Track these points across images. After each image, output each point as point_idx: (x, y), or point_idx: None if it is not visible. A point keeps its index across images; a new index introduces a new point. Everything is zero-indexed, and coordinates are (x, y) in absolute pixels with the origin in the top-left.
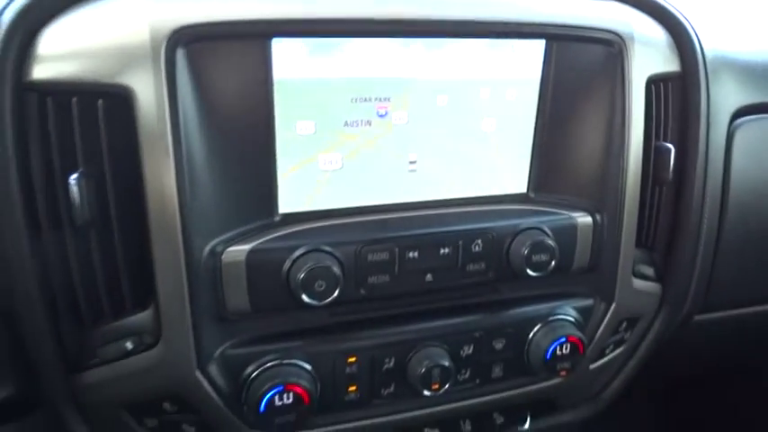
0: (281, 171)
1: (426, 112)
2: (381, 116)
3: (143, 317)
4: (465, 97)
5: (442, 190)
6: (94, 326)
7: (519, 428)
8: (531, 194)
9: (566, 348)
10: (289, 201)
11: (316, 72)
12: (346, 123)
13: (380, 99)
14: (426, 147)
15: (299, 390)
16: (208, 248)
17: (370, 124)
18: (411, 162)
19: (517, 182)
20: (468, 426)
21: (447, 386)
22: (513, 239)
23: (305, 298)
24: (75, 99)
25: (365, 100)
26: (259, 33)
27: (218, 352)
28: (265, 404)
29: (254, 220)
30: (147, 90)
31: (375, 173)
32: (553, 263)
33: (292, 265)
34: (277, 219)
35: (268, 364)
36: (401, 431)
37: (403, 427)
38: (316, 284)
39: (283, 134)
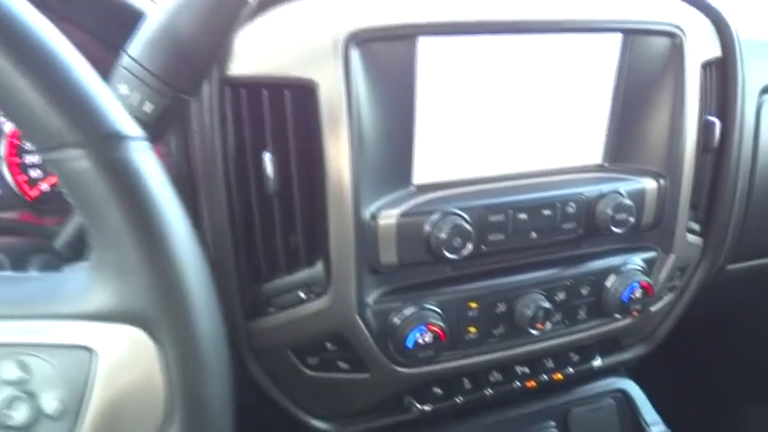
0: (416, 149)
1: (526, 94)
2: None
3: (312, 271)
4: (555, 79)
5: (536, 161)
6: (271, 279)
7: (592, 364)
8: (606, 164)
9: (638, 292)
10: (420, 173)
11: (452, 68)
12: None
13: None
14: (529, 124)
15: (436, 329)
16: (368, 213)
17: (484, 110)
18: (515, 136)
19: (594, 154)
20: (550, 363)
21: (547, 326)
22: (598, 202)
23: (446, 253)
24: (265, 91)
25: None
26: (410, 34)
27: (371, 299)
28: (411, 341)
29: (396, 189)
30: (327, 82)
31: (486, 147)
32: (632, 220)
33: (433, 226)
34: (413, 189)
35: (411, 309)
36: (498, 368)
37: (502, 365)
38: (453, 241)
39: (421, 119)
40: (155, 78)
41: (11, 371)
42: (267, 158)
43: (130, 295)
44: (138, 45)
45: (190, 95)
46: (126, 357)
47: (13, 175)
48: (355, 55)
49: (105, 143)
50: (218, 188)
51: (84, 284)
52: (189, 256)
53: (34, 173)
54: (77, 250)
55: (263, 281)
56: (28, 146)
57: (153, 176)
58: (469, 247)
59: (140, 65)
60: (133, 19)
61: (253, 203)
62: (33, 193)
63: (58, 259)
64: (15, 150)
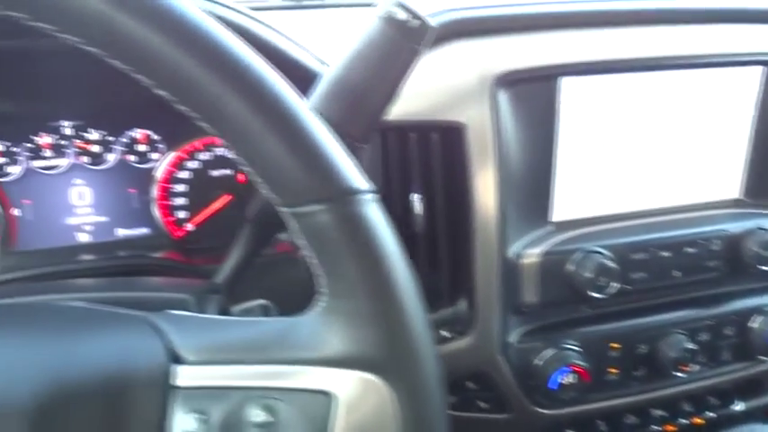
0: (556, 186)
1: (665, 129)
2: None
3: (455, 310)
4: (693, 113)
5: (674, 196)
6: None
7: (733, 408)
8: (744, 199)
9: None
10: (559, 210)
11: (592, 105)
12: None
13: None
14: (668, 159)
15: (580, 370)
16: (512, 252)
17: (620, 144)
18: (653, 171)
19: (731, 188)
20: (688, 406)
21: (693, 368)
22: (743, 238)
23: (590, 292)
24: (413, 134)
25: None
26: (553, 74)
27: (513, 338)
28: (554, 382)
29: (535, 227)
30: (476, 123)
31: (624, 183)
32: None
33: (576, 265)
34: (551, 227)
35: (552, 349)
36: (634, 411)
37: (639, 408)
38: (598, 280)
39: (561, 156)
40: (333, 129)
41: (258, 414)
42: (416, 199)
43: (364, 342)
44: (315, 98)
45: (364, 143)
46: (360, 401)
47: (162, 216)
48: (502, 96)
49: (346, 198)
50: None
51: (316, 330)
52: (415, 304)
53: (181, 214)
54: (234, 288)
55: None
56: (177, 189)
57: (385, 229)
58: (614, 286)
59: (319, 116)
60: (308, 78)
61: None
62: (179, 233)
63: (228, 300)
64: (166, 194)
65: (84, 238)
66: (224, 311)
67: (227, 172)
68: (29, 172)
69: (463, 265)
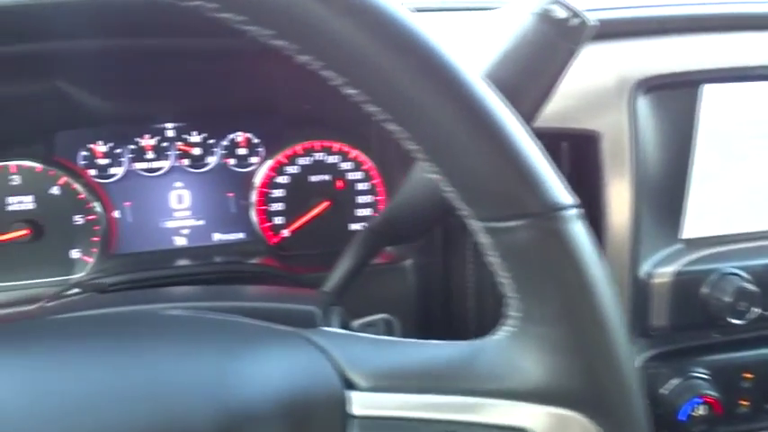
0: (689, 202)
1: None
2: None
3: None
4: None
5: None
6: None
7: None
8: None
9: None
10: (690, 227)
11: (732, 114)
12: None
13: None
14: None
15: (712, 401)
16: (643, 270)
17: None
18: None
19: None
20: None
21: None
22: None
23: (729, 318)
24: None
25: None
26: (695, 80)
27: (637, 363)
28: (684, 413)
29: (665, 244)
30: (612, 131)
31: (761, 199)
32: None
33: (712, 287)
34: (681, 244)
35: (679, 377)
36: None
37: None
38: (738, 305)
39: (697, 168)
40: None
41: None
42: None
43: (566, 374)
44: None
45: None
46: None
47: (259, 221)
48: (642, 102)
49: (551, 213)
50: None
51: (507, 358)
52: (623, 333)
53: (278, 220)
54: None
55: None
56: (275, 194)
57: (592, 249)
58: (755, 311)
59: None
60: None
61: None
62: (275, 239)
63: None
64: (264, 199)
65: (180, 242)
66: (345, 325)
67: (326, 178)
68: (130, 173)
69: None
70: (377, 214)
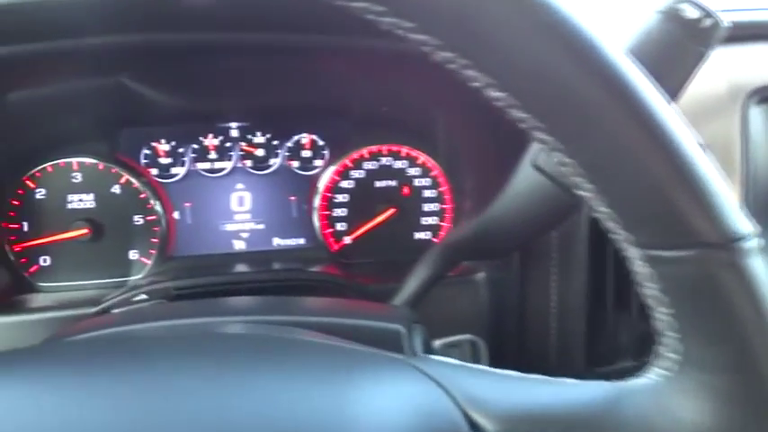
0: None
1: None
2: None
3: None
4: None
5: None
6: None
7: None
8: None
9: None
10: None
11: None
12: None
13: None
14: None
15: None
16: None
17: None
18: None
19: None
20: None
21: None
22: None
23: None
24: None
25: None
26: None
27: None
28: None
29: None
30: (719, 142)
31: None
32: None
33: None
34: None
35: None
36: None
37: None
38: None
39: None
40: None
41: None
42: None
43: (736, 429)
44: None
45: None
46: None
47: (321, 227)
48: (754, 112)
49: (729, 245)
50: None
51: (661, 406)
52: None
53: (340, 226)
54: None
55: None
56: (339, 199)
57: None
58: None
59: None
60: None
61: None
62: (337, 246)
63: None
64: (327, 204)
65: (239, 245)
66: (428, 346)
67: (392, 183)
68: (192, 173)
69: None
70: (444, 223)
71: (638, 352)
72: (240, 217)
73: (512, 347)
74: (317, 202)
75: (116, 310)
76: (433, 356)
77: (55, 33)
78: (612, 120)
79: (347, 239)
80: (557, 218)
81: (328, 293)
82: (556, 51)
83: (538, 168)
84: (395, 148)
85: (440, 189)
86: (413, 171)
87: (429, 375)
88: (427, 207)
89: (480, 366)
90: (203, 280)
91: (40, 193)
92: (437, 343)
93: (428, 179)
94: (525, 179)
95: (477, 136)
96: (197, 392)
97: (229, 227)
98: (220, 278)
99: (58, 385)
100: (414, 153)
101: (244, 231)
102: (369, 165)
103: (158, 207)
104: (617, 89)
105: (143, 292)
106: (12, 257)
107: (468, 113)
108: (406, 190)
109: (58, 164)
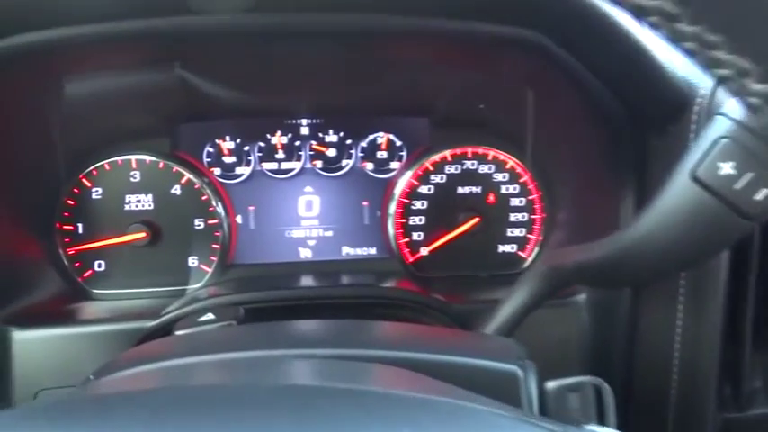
0: None
1: None
2: None
3: None
4: None
5: None
6: None
7: None
8: None
9: None
10: None
11: None
12: None
13: None
14: None
15: None
16: None
17: None
18: None
19: None
20: None
21: None
22: None
23: None
24: None
25: None
26: None
27: None
28: None
29: None
30: None
31: None
32: None
33: None
34: None
35: None
36: None
37: None
38: None
39: None
40: None
41: None
42: None
43: None
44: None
45: None
46: None
47: (397, 236)
48: None
49: None
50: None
51: None
52: None
53: (417, 236)
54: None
55: None
56: (417, 206)
57: None
58: None
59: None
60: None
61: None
62: (412, 258)
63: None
64: (404, 210)
65: (305, 254)
66: (540, 388)
67: (476, 190)
68: (257, 174)
69: None
70: (533, 236)
71: None
72: (307, 223)
73: (616, 383)
74: (392, 208)
75: (179, 332)
76: (594, 428)
77: (103, 15)
78: None
79: (424, 251)
80: (718, 245)
81: (404, 311)
82: None
83: (698, 182)
84: (480, 151)
85: (529, 198)
86: (499, 177)
87: None
88: (514, 217)
89: None
90: (273, 294)
91: (97, 193)
92: (550, 385)
93: (516, 186)
94: (681, 194)
95: (582, 135)
96: None
97: (295, 233)
98: (290, 293)
99: None
100: (501, 156)
101: (311, 239)
102: (451, 168)
103: (220, 210)
104: None
105: (209, 310)
106: (65, 261)
107: (575, 109)
108: (491, 197)
109: (116, 161)
